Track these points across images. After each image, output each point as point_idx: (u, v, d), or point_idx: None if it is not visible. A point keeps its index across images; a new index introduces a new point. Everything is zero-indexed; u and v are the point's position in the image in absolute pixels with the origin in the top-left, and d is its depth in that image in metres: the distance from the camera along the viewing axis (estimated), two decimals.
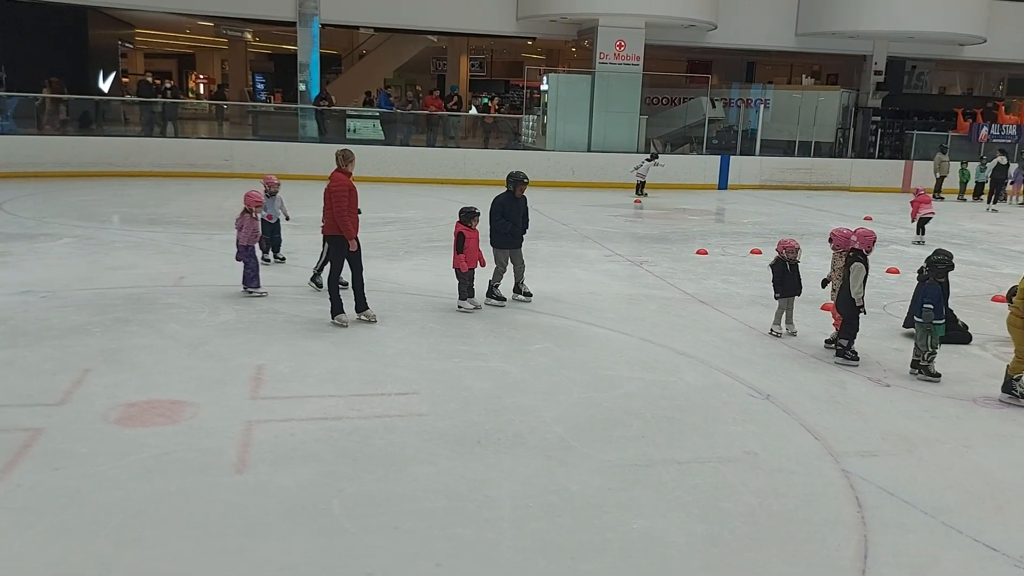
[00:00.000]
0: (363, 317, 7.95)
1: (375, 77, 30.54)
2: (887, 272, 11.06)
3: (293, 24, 22.76)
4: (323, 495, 4.54)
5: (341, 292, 7.95)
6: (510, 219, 8.76)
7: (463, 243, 8.35)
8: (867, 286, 7.17)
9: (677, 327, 8.34)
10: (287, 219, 10.72)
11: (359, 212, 8.27)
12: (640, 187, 20.22)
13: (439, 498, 4.55)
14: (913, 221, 14.75)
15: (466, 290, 8.57)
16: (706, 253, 12.59)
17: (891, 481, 4.96)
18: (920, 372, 6.94)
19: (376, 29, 27.21)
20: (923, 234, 14.57)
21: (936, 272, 6.95)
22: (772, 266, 8.14)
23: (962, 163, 23.35)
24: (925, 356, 6.92)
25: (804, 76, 31.88)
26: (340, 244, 7.80)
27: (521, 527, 4.28)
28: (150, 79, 25.38)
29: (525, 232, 9.11)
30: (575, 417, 5.82)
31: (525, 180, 8.93)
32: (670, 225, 15.99)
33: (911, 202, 14.84)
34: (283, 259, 10.64)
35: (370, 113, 23.72)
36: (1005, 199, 21.89)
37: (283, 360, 6.79)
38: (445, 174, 21.02)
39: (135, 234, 12.34)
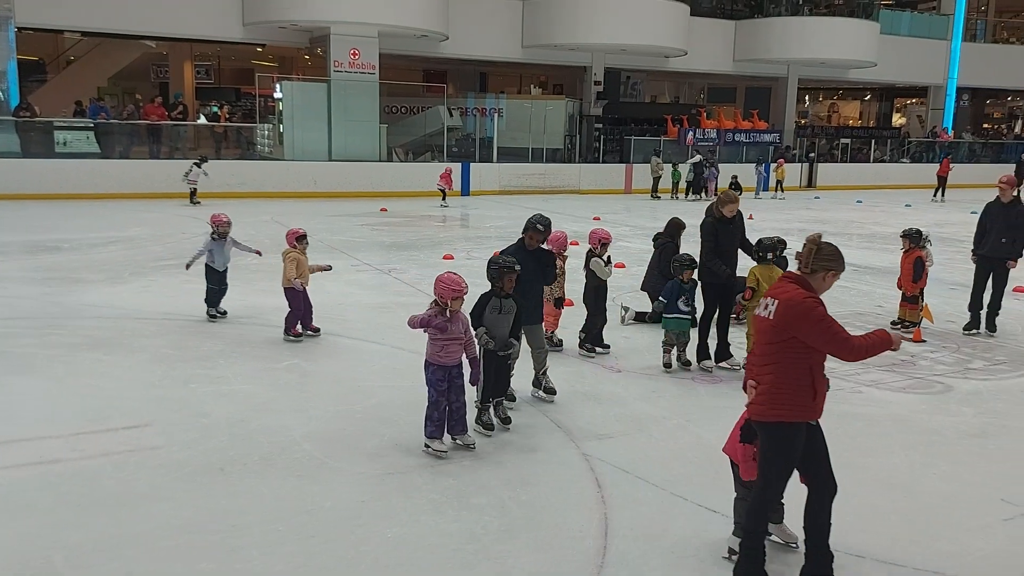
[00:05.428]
0: None
1: (87, 85, 27.92)
2: (615, 267, 11.92)
3: None
4: (41, 548, 4.05)
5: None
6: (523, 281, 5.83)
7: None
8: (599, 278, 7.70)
9: None
10: (259, 254, 9.18)
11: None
12: (193, 194, 19.25)
13: (179, 534, 4.23)
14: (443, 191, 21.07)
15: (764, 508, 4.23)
16: (452, 258, 12.85)
17: (626, 459, 5.34)
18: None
19: (83, 33, 24.91)
20: (444, 199, 21.05)
21: (676, 270, 7.48)
22: None
23: (674, 164, 25.86)
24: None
25: (532, 86, 33.66)
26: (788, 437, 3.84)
27: (271, 552, 4.10)
28: None
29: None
30: (327, 432, 5.67)
31: (540, 226, 6.21)
32: (416, 232, 16.16)
33: (441, 175, 21.27)
34: (224, 312, 8.71)
35: (82, 124, 21.66)
36: (708, 195, 24.74)
37: None
38: (173, 188, 19.69)
39: None
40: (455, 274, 5.33)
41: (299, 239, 8.02)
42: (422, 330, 5.26)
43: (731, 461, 4.24)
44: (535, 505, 4.70)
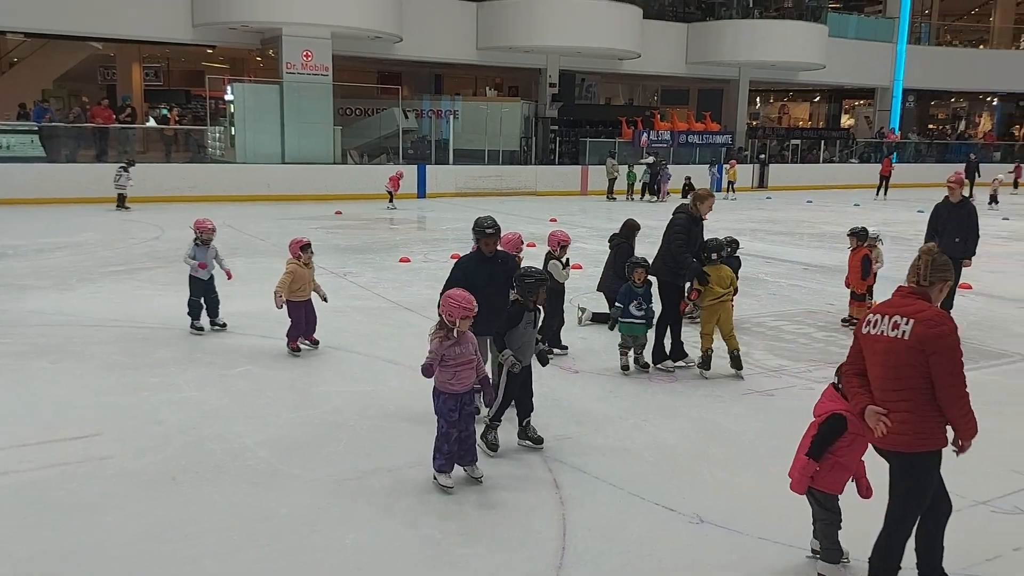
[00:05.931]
0: None
1: (31, 87, 27.24)
2: (572, 268, 11.98)
3: None
4: None
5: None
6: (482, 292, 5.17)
7: (836, 433, 3.87)
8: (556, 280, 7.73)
9: (384, 336, 8.38)
10: (228, 277, 8.44)
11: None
12: (121, 200, 18.45)
13: (132, 545, 4.16)
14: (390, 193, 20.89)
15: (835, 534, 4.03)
16: (409, 261, 12.81)
17: (583, 460, 5.37)
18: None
19: (26, 35, 24.28)
20: (392, 203, 20.88)
21: (628, 271, 7.52)
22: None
23: (629, 166, 26.08)
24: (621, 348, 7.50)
25: (488, 88, 33.67)
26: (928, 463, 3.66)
27: (226, 561, 4.04)
28: None
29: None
30: (282, 439, 5.61)
31: (490, 229, 5.82)
32: (372, 235, 16.07)
33: (391, 177, 20.98)
34: (224, 325, 8.34)
35: (26, 127, 21.12)
36: (660, 197, 25.00)
37: None
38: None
39: None
40: (465, 291, 4.90)
41: (303, 248, 7.60)
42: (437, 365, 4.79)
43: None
44: (494, 507, 4.71)
